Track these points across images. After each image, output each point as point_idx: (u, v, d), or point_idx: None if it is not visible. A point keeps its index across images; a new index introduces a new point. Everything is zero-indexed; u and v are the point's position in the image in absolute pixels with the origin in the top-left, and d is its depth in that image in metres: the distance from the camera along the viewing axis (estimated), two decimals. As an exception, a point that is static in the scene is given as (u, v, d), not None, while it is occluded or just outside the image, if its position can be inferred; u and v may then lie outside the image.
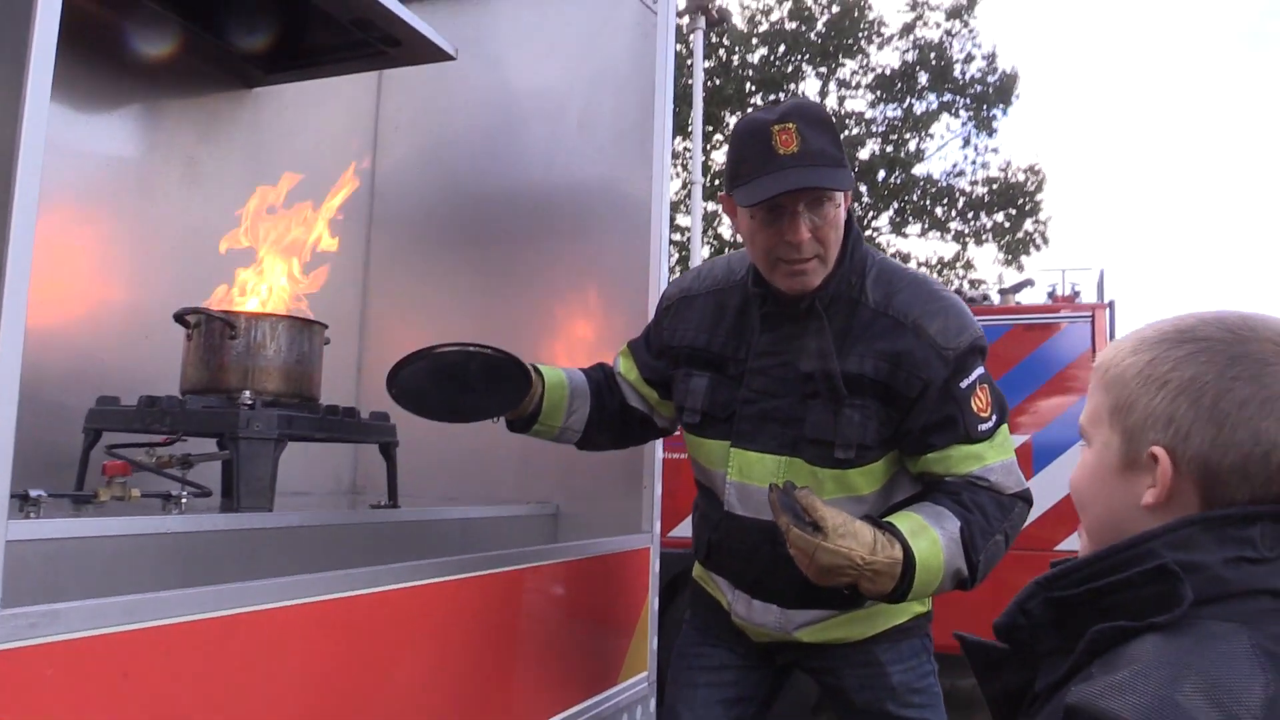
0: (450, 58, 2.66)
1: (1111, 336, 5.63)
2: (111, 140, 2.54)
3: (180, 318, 2.10)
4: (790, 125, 1.75)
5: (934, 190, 20.91)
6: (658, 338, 2.14)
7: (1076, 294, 5.83)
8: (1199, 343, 0.97)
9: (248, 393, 1.97)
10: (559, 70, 3.08)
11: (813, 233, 1.79)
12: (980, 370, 1.87)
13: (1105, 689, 0.88)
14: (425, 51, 2.63)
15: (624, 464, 2.80)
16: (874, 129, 20.72)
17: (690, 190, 11.59)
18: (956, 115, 20.91)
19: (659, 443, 2.82)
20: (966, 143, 21.05)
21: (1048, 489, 4.69)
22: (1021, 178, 20.68)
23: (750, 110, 1.87)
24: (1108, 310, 5.48)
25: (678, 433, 2.18)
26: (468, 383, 1.98)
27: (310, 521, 1.93)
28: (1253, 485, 0.94)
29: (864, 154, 20.42)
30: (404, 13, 2.43)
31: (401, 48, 2.60)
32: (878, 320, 1.85)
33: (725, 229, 21.27)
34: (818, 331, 1.87)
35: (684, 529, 5.67)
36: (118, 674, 1.18)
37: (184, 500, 1.76)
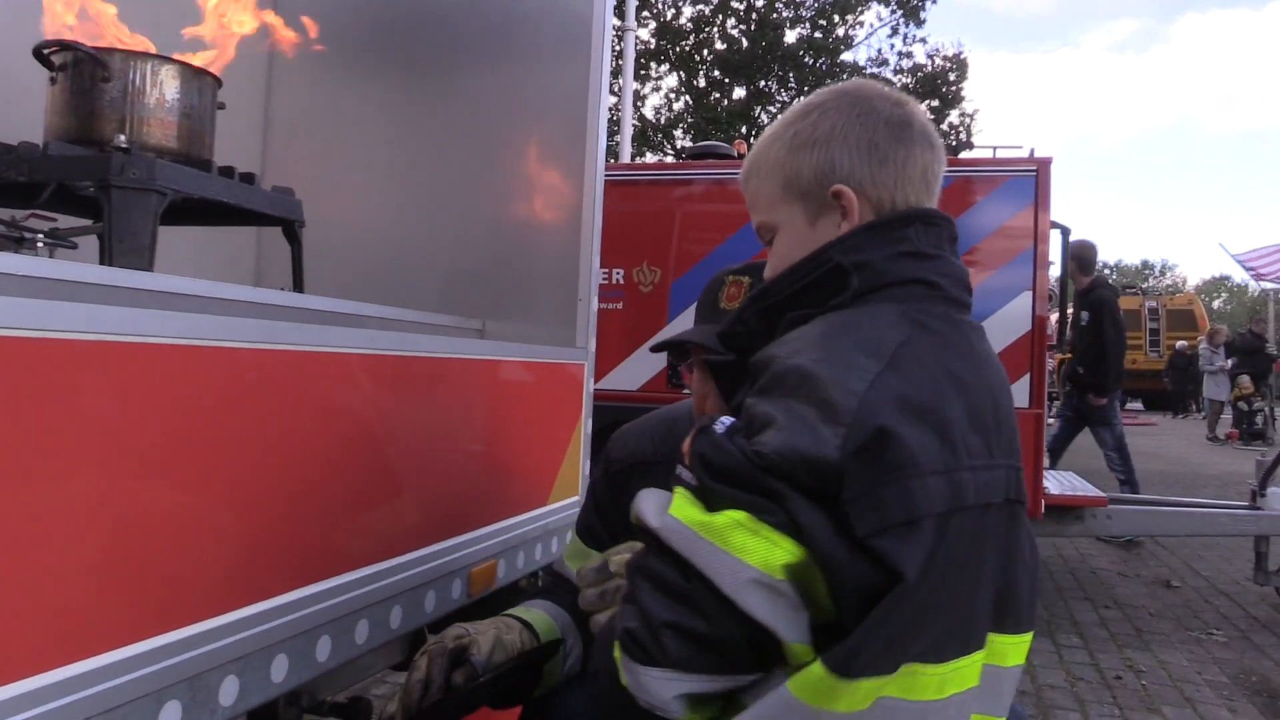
0: None
1: (1045, 200, 5.50)
2: None
3: (42, 55, 1.77)
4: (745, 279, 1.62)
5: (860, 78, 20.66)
6: (615, 511, 1.73)
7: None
8: (822, 107, 1.24)
9: (122, 137, 1.67)
10: None
11: None
12: None
13: (774, 344, 1.12)
14: None
15: (557, 278, 2.58)
16: (802, 14, 20.25)
17: (620, 65, 11.07)
18: (886, 3, 20.57)
19: (595, 256, 2.59)
20: (894, 32, 20.78)
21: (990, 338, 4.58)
22: (945, 65, 20.56)
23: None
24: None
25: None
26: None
27: (199, 291, 1.65)
28: (906, 192, 1.20)
29: (791, 37, 19.99)
30: None
31: None
32: None
33: (649, 110, 20.78)
34: None
35: (611, 381, 5.51)
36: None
37: (40, 245, 1.47)
